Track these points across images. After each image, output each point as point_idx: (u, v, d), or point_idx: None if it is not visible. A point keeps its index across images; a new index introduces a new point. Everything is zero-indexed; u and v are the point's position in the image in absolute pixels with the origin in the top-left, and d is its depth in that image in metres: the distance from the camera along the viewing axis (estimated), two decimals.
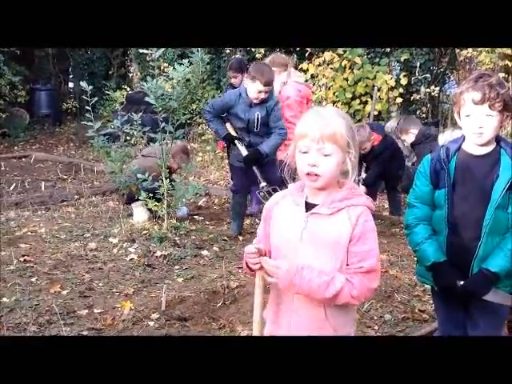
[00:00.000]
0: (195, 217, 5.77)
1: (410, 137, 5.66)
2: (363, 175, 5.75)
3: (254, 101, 4.70)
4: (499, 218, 2.26)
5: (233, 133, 4.92)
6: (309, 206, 1.87)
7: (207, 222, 5.63)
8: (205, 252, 4.71)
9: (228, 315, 3.55)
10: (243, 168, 4.99)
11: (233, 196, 5.34)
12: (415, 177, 2.51)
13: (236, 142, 4.89)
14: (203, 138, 10.45)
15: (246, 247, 1.91)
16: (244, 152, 4.84)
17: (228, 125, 4.94)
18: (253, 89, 4.64)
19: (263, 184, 4.76)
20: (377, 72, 8.83)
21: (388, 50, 9.46)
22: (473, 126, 2.25)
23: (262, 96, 4.68)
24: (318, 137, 1.76)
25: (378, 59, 9.21)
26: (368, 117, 8.90)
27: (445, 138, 2.53)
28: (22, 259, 4.33)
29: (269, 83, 4.70)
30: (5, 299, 3.62)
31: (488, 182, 2.28)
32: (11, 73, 10.95)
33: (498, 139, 2.33)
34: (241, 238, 5.17)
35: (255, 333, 1.93)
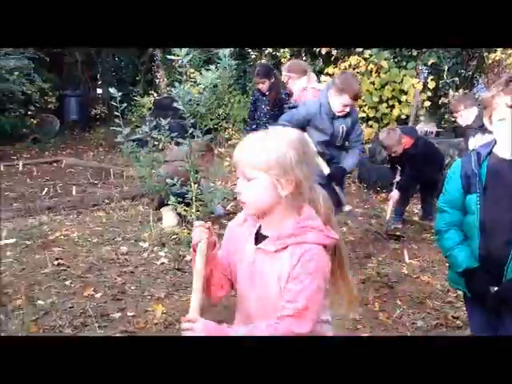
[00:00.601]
0: (223, 221, 5.80)
1: (471, 114, 5.17)
2: (397, 178, 5.69)
3: (338, 114, 4.33)
4: None
5: (312, 147, 4.59)
6: (259, 238, 1.75)
7: None
8: None
9: None
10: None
11: None
12: (445, 181, 2.48)
13: (316, 157, 4.39)
14: (230, 142, 10.54)
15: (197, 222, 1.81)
16: (325, 169, 4.30)
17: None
18: (338, 102, 4.27)
19: (348, 207, 4.46)
20: (404, 76, 8.80)
21: (415, 53, 9.41)
22: (507, 129, 2.20)
23: (347, 110, 4.33)
24: (237, 161, 1.68)
25: (404, 63, 9.17)
26: (396, 120, 8.86)
27: (475, 141, 2.47)
28: (55, 262, 4.42)
29: (357, 97, 4.41)
30: (40, 302, 3.70)
31: None
32: (42, 80, 11.18)
33: None
34: None
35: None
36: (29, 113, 11.89)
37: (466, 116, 5.22)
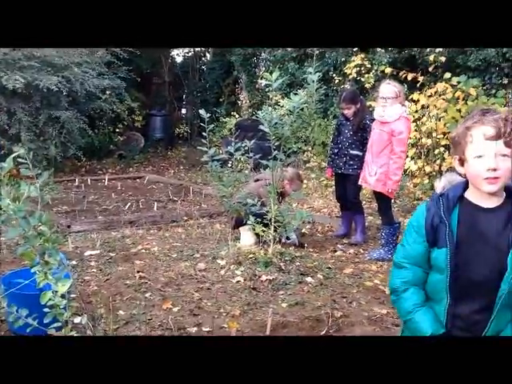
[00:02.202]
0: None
1: None
2: None
3: None
4: None
5: None
6: None
7: (311, 250, 5.66)
8: (309, 279, 4.74)
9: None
10: None
11: None
12: (406, 231, 2.08)
13: None
14: (308, 165, 10.58)
15: None
16: None
17: None
18: None
19: None
20: (492, 104, 8.51)
21: (506, 81, 9.13)
22: (485, 167, 1.82)
23: None
24: None
25: (494, 91, 8.89)
26: None
27: (442, 184, 2.09)
28: (137, 275, 4.59)
29: None
30: (121, 312, 3.85)
31: (502, 242, 1.86)
32: (131, 99, 11.71)
33: (508, 188, 1.92)
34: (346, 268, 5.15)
35: None
36: (117, 130, 12.50)
37: None
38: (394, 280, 2.05)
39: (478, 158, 1.83)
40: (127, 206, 7.63)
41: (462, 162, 1.92)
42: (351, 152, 5.95)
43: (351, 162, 5.95)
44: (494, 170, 1.80)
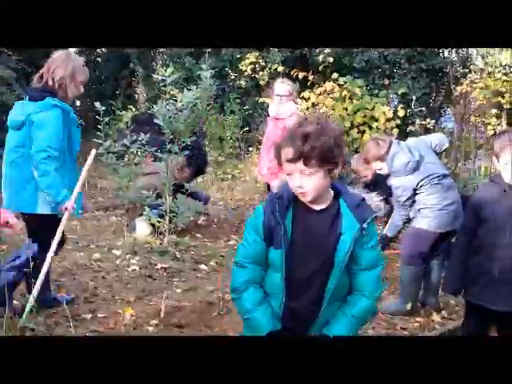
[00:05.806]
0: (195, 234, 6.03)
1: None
2: None
3: None
4: (342, 281, 2.03)
5: None
6: None
7: (206, 240, 5.88)
8: (202, 266, 4.97)
9: (222, 324, 3.80)
10: None
11: None
12: (245, 231, 2.12)
13: None
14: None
15: None
16: None
17: None
18: None
19: None
20: (375, 103, 9.17)
21: (387, 82, 9.84)
22: (293, 185, 1.95)
23: None
24: None
25: (377, 91, 9.56)
26: None
27: (277, 185, 2.17)
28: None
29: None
30: (15, 302, 3.86)
31: (330, 241, 1.99)
32: (23, 90, 11.27)
33: (334, 187, 2.05)
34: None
35: None
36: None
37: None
38: (235, 280, 2.09)
39: (288, 175, 1.95)
40: None
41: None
42: None
43: None
44: (300, 187, 1.92)
